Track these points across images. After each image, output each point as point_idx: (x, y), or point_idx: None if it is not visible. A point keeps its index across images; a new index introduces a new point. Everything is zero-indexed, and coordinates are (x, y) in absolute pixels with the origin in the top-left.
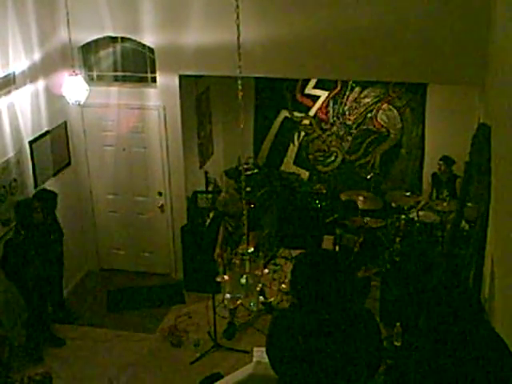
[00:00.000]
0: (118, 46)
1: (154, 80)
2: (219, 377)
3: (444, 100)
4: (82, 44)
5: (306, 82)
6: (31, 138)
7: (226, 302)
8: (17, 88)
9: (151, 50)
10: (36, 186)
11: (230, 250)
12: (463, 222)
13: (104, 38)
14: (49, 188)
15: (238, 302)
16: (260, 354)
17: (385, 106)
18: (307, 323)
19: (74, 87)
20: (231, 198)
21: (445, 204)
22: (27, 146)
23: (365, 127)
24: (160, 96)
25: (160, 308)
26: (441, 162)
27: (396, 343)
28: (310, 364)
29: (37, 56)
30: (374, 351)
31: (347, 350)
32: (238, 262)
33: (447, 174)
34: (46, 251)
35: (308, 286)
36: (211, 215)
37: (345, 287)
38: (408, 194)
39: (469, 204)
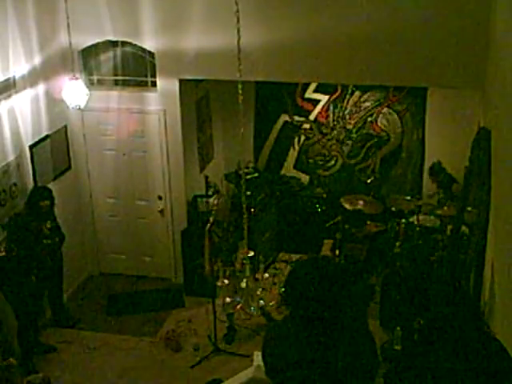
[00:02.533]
0: (119, 50)
1: (154, 84)
2: (219, 382)
3: (444, 104)
4: (82, 48)
5: (306, 86)
6: (31, 142)
7: (225, 306)
8: (17, 92)
9: (151, 54)
10: None
11: (219, 262)
12: (463, 227)
13: (104, 42)
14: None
15: (238, 307)
16: (260, 358)
17: (385, 110)
18: (301, 333)
19: (74, 91)
20: (222, 203)
21: (445, 208)
22: (27, 150)
23: (365, 131)
24: (160, 100)
25: (160, 312)
26: (433, 178)
27: (396, 347)
28: (305, 374)
29: (37, 60)
30: (369, 361)
31: (342, 360)
32: (238, 265)
33: (443, 178)
34: (43, 261)
35: (302, 295)
36: (211, 219)
37: (340, 296)
38: (408, 198)
39: (469, 208)
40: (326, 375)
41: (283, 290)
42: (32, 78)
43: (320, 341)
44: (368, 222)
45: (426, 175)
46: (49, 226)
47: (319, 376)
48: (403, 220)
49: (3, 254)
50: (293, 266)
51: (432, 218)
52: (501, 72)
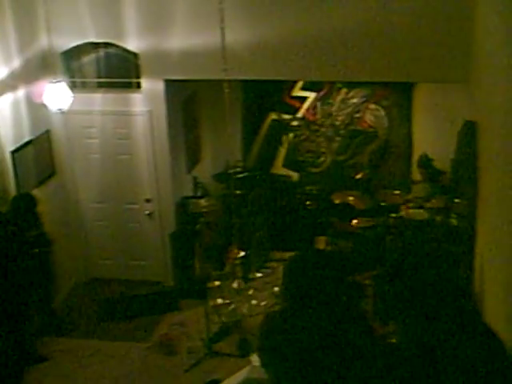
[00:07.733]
0: (101, 52)
1: (138, 85)
2: (217, 383)
3: (430, 98)
4: (63, 50)
5: (294, 83)
6: (13, 148)
7: (217, 308)
8: None
9: (135, 55)
10: None
11: (210, 263)
12: (452, 218)
13: (86, 44)
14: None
15: (230, 308)
16: (257, 358)
17: (372, 105)
18: (298, 324)
19: (56, 94)
20: (213, 205)
21: (433, 201)
22: (9, 156)
23: (353, 127)
24: (145, 101)
25: (152, 316)
26: (421, 170)
27: (390, 341)
28: (302, 365)
29: (16, 63)
30: (367, 352)
31: (339, 351)
32: (229, 266)
33: (431, 171)
34: (27, 264)
35: (299, 287)
36: (201, 221)
37: (336, 287)
38: (397, 192)
39: (456, 200)
40: (322, 367)
41: (282, 280)
42: (12, 82)
43: (317, 331)
44: (358, 219)
45: (414, 169)
46: (34, 233)
47: (315, 368)
48: (393, 214)
49: None
50: (291, 258)
51: (421, 211)
52: (485, 65)
